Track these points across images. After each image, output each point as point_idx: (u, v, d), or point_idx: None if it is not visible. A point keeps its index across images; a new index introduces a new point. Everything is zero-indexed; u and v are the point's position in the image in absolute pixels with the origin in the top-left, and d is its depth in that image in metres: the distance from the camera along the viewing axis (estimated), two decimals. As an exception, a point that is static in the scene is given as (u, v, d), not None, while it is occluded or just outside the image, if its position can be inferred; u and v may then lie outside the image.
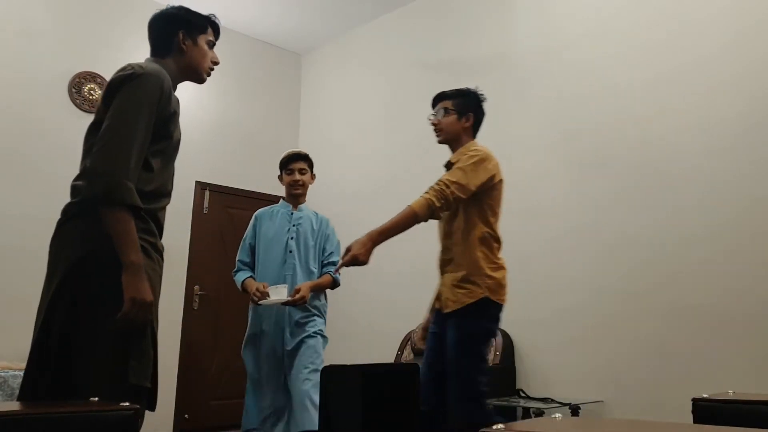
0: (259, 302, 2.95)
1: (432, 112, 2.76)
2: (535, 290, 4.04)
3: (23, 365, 4.00)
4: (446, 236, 2.60)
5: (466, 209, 2.52)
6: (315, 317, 3.12)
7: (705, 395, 1.59)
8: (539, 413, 3.31)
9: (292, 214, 3.26)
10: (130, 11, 5.16)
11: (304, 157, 3.29)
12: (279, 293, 2.96)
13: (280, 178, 3.31)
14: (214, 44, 2.12)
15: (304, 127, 6.20)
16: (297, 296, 2.94)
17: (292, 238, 3.19)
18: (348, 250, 2.34)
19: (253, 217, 3.32)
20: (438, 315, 2.61)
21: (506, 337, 4.05)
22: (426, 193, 2.42)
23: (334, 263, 3.18)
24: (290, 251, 3.16)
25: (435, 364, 2.50)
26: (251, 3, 5.40)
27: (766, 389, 2.93)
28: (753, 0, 3.39)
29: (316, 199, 6.08)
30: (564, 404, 3.40)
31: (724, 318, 3.24)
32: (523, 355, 4.04)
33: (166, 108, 1.88)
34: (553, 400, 3.49)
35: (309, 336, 3.04)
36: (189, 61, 2.04)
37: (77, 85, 4.79)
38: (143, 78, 1.82)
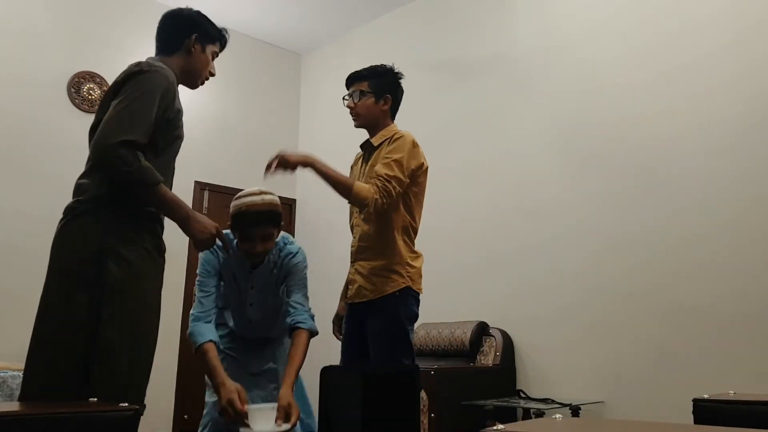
0: (241, 430, 2.04)
1: (347, 93, 2.59)
2: (536, 290, 4.04)
3: (23, 365, 3.99)
4: (364, 223, 2.46)
5: None
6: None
7: (705, 395, 1.58)
8: (539, 414, 3.31)
9: (250, 272, 2.38)
10: (129, 11, 5.16)
11: (269, 218, 2.22)
12: (264, 421, 2.03)
13: (232, 229, 2.28)
14: (216, 57, 2.17)
15: (303, 127, 6.20)
16: (288, 427, 2.04)
17: (251, 305, 2.42)
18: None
19: (206, 261, 2.35)
20: (352, 307, 2.48)
21: (506, 337, 4.05)
22: (371, 186, 2.31)
23: (303, 309, 2.32)
24: (249, 321, 2.45)
25: (355, 357, 2.46)
26: (251, 3, 5.40)
27: (766, 389, 2.93)
28: (753, 0, 3.39)
29: (314, 201, 6.09)
30: (564, 405, 3.40)
31: (725, 318, 3.24)
32: (523, 355, 4.04)
33: (172, 104, 1.90)
34: (553, 401, 3.49)
35: None
36: (192, 65, 2.08)
37: (76, 85, 4.78)
38: (151, 73, 1.85)
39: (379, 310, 2.37)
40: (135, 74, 1.84)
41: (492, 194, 4.41)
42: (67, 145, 4.68)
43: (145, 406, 1.81)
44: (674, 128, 3.58)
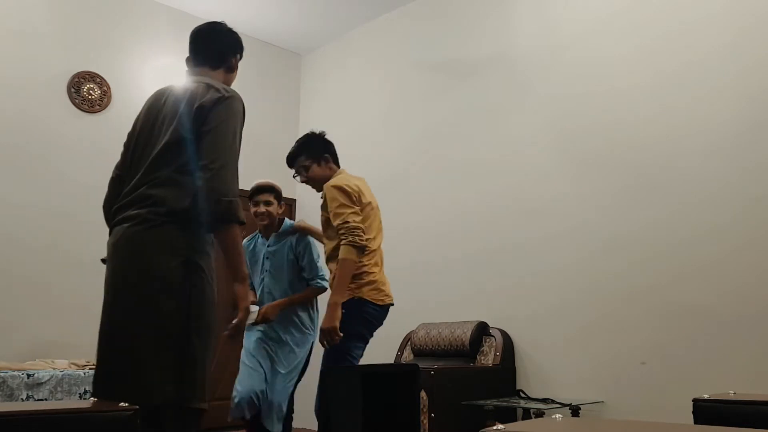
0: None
1: (293, 174, 3.00)
2: (536, 290, 4.04)
3: (22, 365, 3.98)
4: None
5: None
6: (292, 350, 3.19)
7: (705, 396, 1.59)
8: (539, 414, 3.31)
9: (267, 246, 3.31)
10: (129, 11, 5.15)
11: (269, 189, 3.28)
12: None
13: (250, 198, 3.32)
14: None
15: (303, 127, 6.19)
16: (258, 317, 3.00)
17: (266, 270, 3.27)
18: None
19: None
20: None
21: (506, 337, 4.05)
22: (342, 241, 2.60)
23: (315, 276, 3.23)
24: (268, 291, 3.25)
25: None
26: (251, 3, 5.40)
27: (766, 389, 2.93)
28: (753, 0, 3.39)
29: (314, 201, 6.08)
30: (564, 405, 3.40)
31: (725, 318, 3.24)
32: (523, 355, 4.04)
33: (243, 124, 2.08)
34: (553, 401, 3.49)
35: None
36: (229, 81, 2.22)
37: (76, 85, 4.78)
38: (234, 101, 2.01)
39: None
40: (220, 101, 1.96)
41: (492, 194, 4.41)
42: (67, 144, 4.68)
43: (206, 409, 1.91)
44: (674, 128, 3.58)
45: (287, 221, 3.35)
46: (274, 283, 3.24)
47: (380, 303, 2.67)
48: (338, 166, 2.96)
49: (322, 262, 3.20)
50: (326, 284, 3.16)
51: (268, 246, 3.30)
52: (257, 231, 3.41)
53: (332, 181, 2.76)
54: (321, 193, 2.83)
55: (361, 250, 2.58)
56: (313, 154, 2.89)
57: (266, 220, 3.27)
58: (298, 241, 3.26)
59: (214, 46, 2.16)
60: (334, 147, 2.98)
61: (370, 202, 2.81)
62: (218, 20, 2.29)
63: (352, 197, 2.68)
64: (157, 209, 1.88)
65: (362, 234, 2.59)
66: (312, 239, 3.29)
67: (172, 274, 1.83)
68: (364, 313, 2.63)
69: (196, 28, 2.27)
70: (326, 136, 2.97)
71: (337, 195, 2.68)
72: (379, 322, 2.72)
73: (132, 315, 1.83)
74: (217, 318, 1.96)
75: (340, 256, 2.57)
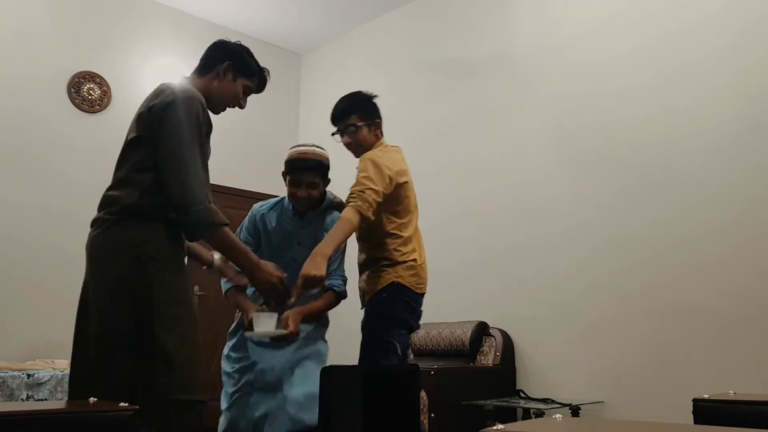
0: (246, 334, 2.36)
1: (335, 131, 2.67)
2: (536, 290, 4.04)
3: (22, 365, 3.98)
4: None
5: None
6: (310, 359, 2.46)
7: (705, 395, 1.58)
8: (539, 414, 3.31)
9: (300, 227, 2.57)
10: (129, 11, 5.15)
11: (316, 166, 2.48)
12: (265, 324, 2.23)
13: (284, 176, 2.54)
14: (249, 92, 2.24)
15: (303, 127, 6.20)
16: (287, 332, 2.27)
17: (293, 260, 2.47)
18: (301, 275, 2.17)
19: (252, 214, 2.63)
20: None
21: (506, 337, 4.05)
22: (349, 203, 2.37)
23: (337, 275, 2.56)
24: (294, 259, 2.48)
25: None
26: (251, 3, 5.40)
27: (766, 389, 2.93)
28: (753, 0, 3.39)
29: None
30: (564, 405, 3.40)
31: (725, 318, 3.24)
32: (523, 355, 4.04)
33: (205, 125, 1.99)
34: (553, 401, 3.49)
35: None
36: (218, 90, 2.13)
37: (76, 85, 4.78)
38: (182, 103, 1.91)
39: None
40: (169, 105, 1.90)
41: (492, 194, 4.41)
42: (67, 145, 4.68)
43: (205, 403, 1.89)
44: (674, 128, 3.58)
45: (329, 194, 2.63)
46: (308, 252, 2.36)
47: (418, 291, 2.51)
48: (382, 134, 2.67)
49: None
50: (345, 289, 2.57)
51: (301, 228, 2.54)
52: (283, 198, 2.63)
53: (371, 154, 2.49)
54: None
55: (364, 221, 2.34)
56: (367, 115, 2.60)
57: (306, 206, 2.53)
58: (333, 220, 2.52)
59: (204, 57, 2.19)
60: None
61: (406, 181, 2.56)
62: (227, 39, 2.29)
63: (385, 179, 2.40)
64: (110, 209, 1.88)
65: (372, 209, 2.33)
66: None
67: (126, 271, 1.81)
68: (406, 298, 2.46)
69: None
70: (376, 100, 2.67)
71: (369, 167, 2.41)
72: (420, 310, 2.54)
73: (96, 320, 1.82)
74: (191, 306, 1.93)
75: (341, 214, 2.33)
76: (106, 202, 1.92)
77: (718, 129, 3.41)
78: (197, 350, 1.88)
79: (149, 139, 1.90)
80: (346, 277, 2.58)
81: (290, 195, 2.53)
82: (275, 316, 2.26)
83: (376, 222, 2.46)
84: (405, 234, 2.55)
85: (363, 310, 2.56)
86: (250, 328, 2.28)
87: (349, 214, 2.30)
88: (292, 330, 2.28)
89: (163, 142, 1.88)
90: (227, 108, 2.21)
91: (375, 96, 2.70)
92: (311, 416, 2.25)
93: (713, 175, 3.40)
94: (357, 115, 2.61)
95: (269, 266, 2.08)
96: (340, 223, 2.32)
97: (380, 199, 2.38)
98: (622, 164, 3.77)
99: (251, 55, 2.22)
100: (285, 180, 2.54)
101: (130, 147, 1.95)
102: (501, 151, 4.42)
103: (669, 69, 3.64)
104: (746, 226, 3.25)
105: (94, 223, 1.91)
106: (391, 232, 2.51)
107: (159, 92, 1.96)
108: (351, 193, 2.38)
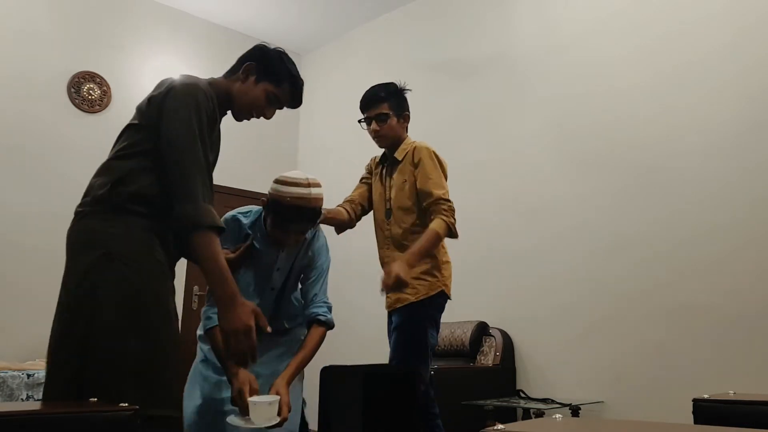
0: (230, 419, 1.89)
1: (364, 117, 2.65)
2: (536, 290, 4.04)
3: (22, 365, 3.99)
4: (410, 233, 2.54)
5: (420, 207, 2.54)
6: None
7: (706, 395, 1.58)
8: (539, 414, 3.31)
9: (279, 250, 2.21)
10: (129, 11, 5.16)
11: (312, 218, 2.08)
12: (265, 413, 1.80)
13: (264, 206, 2.14)
14: (276, 101, 1.98)
15: (303, 126, 6.20)
16: (281, 418, 1.86)
17: (278, 269, 2.20)
18: (389, 273, 2.22)
19: (236, 226, 2.21)
20: None
21: (506, 337, 4.05)
22: (442, 216, 2.43)
23: (321, 301, 2.19)
24: (272, 288, 2.21)
25: None
26: (251, 2, 5.40)
27: (766, 389, 2.93)
28: (753, 0, 3.39)
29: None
30: (564, 405, 3.40)
31: (725, 318, 3.24)
32: (523, 355, 4.04)
33: (207, 112, 1.76)
34: (553, 401, 3.49)
35: None
36: (238, 92, 1.94)
37: (76, 85, 4.78)
38: (180, 89, 1.74)
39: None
40: (166, 96, 1.74)
41: (492, 194, 4.41)
42: (67, 145, 4.68)
43: (178, 414, 1.70)
44: (674, 128, 3.58)
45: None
46: (284, 297, 2.22)
47: (449, 295, 2.59)
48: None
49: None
50: (331, 317, 2.19)
51: (280, 252, 2.17)
52: (254, 208, 2.25)
53: (429, 146, 2.54)
54: (389, 152, 2.61)
55: (450, 235, 2.42)
56: (398, 107, 2.58)
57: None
58: (312, 240, 2.23)
59: (238, 58, 2.00)
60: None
61: None
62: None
63: (444, 166, 2.54)
64: (86, 199, 1.74)
65: (455, 219, 2.43)
66: (326, 245, 2.30)
67: (94, 266, 1.64)
68: (442, 301, 2.55)
69: None
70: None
71: (437, 164, 2.48)
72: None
73: (63, 323, 1.66)
74: (165, 310, 1.70)
75: (434, 227, 2.33)
76: (86, 192, 1.77)
77: (718, 129, 3.41)
78: (168, 359, 1.66)
79: (141, 126, 1.74)
80: (330, 303, 2.22)
81: (272, 235, 2.13)
82: (277, 400, 1.85)
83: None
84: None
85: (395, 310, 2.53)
86: (244, 413, 1.84)
87: (441, 229, 2.38)
88: (285, 417, 1.90)
89: (162, 130, 1.68)
90: (251, 117, 1.98)
91: (408, 89, 2.68)
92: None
93: (713, 175, 3.40)
94: (389, 104, 2.57)
95: (246, 306, 1.65)
96: (431, 237, 2.36)
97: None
98: (622, 164, 3.77)
99: (285, 60, 1.98)
100: (265, 209, 2.14)
101: (119, 136, 1.81)
102: (501, 152, 4.42)
103: (669, 69, 3.64)
104: (746, 226, 3.25)
105: (75, 215, 1.77)
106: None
107: (159, 84, 1.80)
108: (438, 201, 2.44)
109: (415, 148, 2.55)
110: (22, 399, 3.58)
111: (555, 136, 4.15)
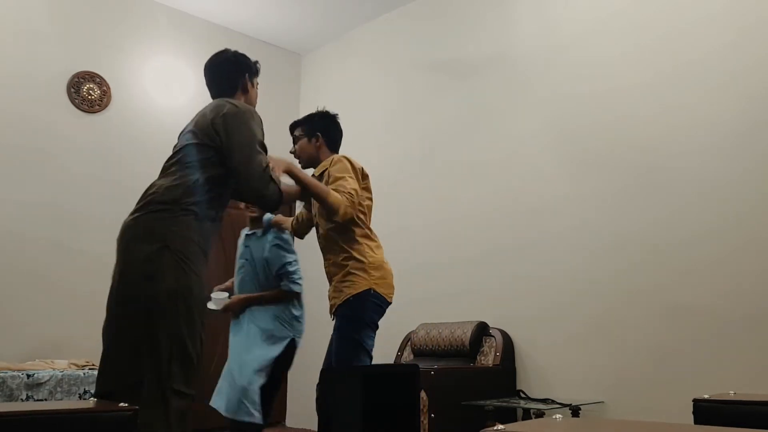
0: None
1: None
2: (536, 290, 4.04)
3: (22, 365, 3.98)
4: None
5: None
6: (261, 337, 3.11)
7: (706, 396, 1.58)
8: (539, 414, 3.31)
9: (250, 236, 3.33)
10: (129, 11, 5.15)
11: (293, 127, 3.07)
12: (215, 301, 3.13)
13: None
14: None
15: (303, 127, 6.20)
16: (223, 306, 3.13)
17: (246, 259, 3.29)
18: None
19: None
20: None
21: (506, 337, 4.05)
22: (340, 191, 2.54)
23: (284, 274, 3.19)
24: (241, 277, 3.29)
25: None
26: (251, 2, 5.40)
27: (766, 389, 2.93)
28: (753, 0, 3.39)
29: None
30: (564, 405, 3.39)
31: (725, 318, 3.24)
32: (523, 355, 4.04)
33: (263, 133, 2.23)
34: (553, 401, 3.49)
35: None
36: (250, 100, 2.38)
37: (76, 85, 4.78)
38: (248, 111, 2.19)
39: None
40: (233, 116, 2.15)
41: (492, 194, 4.41)
42: (67, 144, 4.68)
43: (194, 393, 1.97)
44: (674, 128, 3.58)
45: (267, 215, 3.27)
46: (244, 283, 3.26)
47: (387, 298, 2.64)
48: (333, 152, 2.89)
49: (297, 266, 3.22)
50: (298, 288, 3.20)
51: (246, 246, 3.30)
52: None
53: (343, 156, 2.74)
54: (312, 169, 2.82)
55: (349, 219, 2.54)
56: (307, 129, 2.89)
57: (258, 226, 3.37)
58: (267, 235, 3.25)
59: (220, 78, 2.36)
60: (339, 134, 2.95)
61: (371, 190, 2.79)
62: (217, 53, 2.43)
63: (358, 173, 2.68)
64: (149, 199, 2.03)
65: (356, 202, 2.55)
66: (282, 242, 3.23)
67: (153, 257, 1.93)
68: (376, 300, 2.59)
69: (205, 64, 2.43)
70: (335, 120, 2.94)
71: (344, 163, 2.66)
72: (384, 312, 2.68)
73: (117, 304, 1.96)
74: (204, 304, 2.06)
75: (332, 196, 2.48)
76: (147, 193, 2.06)
77: (718, 128, 3.41)
78: (201, 344, 1.99)
79: (208, 146, 2.09)
80: (296, 279, 3.19)
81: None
82: (226, 295, 3.18)
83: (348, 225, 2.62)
84: (375, 240, 2.71)
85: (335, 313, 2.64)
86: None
87: (337, 200, 2.48)
88: (229, 309, 3.17)
89: (234, 144, 2.08)
90: None
91: (329, 114, 2.95)
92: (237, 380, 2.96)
93: (713, 175, 3.40)
94: (301, 128, 2.93)
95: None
96: (327, 193, 2.49)
97: (360, 191, 2.62)
98: (622, 164, 3.77)
99: (247, 57, 2.41)
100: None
101: (185, 149, 2.12)
102: (501, 151, 4.42)
103: (669, 69, 3.64)
104: (746, 226, 3.25)
105: (136, 212, 2.04)
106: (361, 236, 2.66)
107: (219, 107, 2.17)
108: (341, 186, 2.54)
109: (332, 159, 2.75)
110: (21, 399, 3.58)
111: (555, 136, 4.14)
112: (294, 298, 3.20)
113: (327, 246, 2.71)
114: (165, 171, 2.13)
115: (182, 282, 1.94)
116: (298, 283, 3.19)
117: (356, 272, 2.57)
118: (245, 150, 2.09)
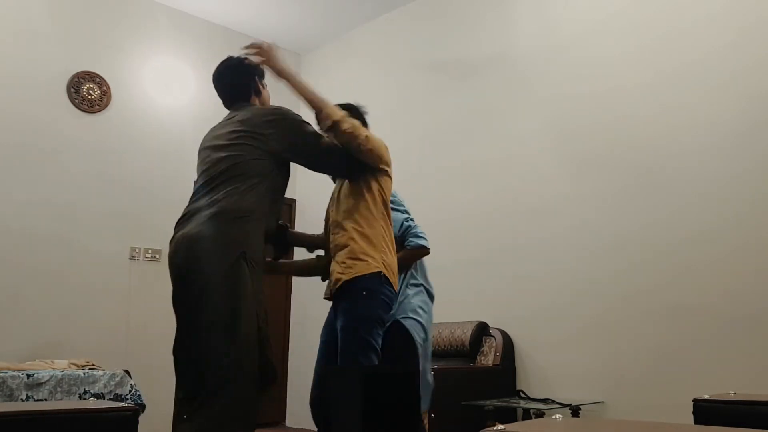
0: None
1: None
2: (536, 290, 4.04)
3: (22, 365, 3.97)
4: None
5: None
6: None
7: (706, 396, 1.59)
8: (539, 414, 3.31)
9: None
10: (129, 11, 5.15)
11: None
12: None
13: None
14: None
15: (303, 127, 6.20)
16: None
17: None
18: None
19: None
20: None
21: (506, 337, 4.05)
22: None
23: (406, 231, 3.01)
24: None
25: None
26: (251, 2, 5.40)
27: (766, 389, 2.93)
28: (753, 0, 3.39)
29: (313, 201, 6.08)
30: (564, 405, 3.40)
31: (725, 318, 3.24)
32: (523, 355, 4.04)
33: None
34: (553, 401, 3.49)
35: None
36: (264, 101, 2.48)
37: (76, 85, 4.78)
38: (290, 112, 2.41)
39: None
40: (281, 117, 2.38)
41: (492, 194, 4.41)
42: (67, 144, 4.68)
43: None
44: (674, 128, 3.58)
45: None
46: None
47: (395, 288, 2.43)
48: None
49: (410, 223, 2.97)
50: (425, 242, 2.88)
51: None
52: None
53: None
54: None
55: (336, 128, 2.43)
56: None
57: None
58: None
59: (232, 87, 2.41)
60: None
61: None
62: (218, 68, 2.48)
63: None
64: (219, 207, 2.09)
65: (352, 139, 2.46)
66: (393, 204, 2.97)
67: (235, 265, 2.02)
68: (383, 295, 2.36)
69: (213, 75, 2.48)
70: (359, 112, 2.92)
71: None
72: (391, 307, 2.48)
73: (197, 308, 2.05)
74: (261, 306, 2.14)
75: (329, 108, 2.49)
76: (212, 201, 2.10)
77: (718, 129, 3.41)
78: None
79: (265, 157, 2.20)
80: (419, 233, 2.97)
81: None
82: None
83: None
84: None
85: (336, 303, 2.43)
86: None
87: (355, 125, 2.48)
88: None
89: (297, 141, 2.30)
90: None
91: (362, 110, 2.95)
92: None
93: (713, 175, 3.40)
94: None
95: None
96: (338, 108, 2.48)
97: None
98: (622, 164, 3.77)
99: (242, 58, 2.42)
100: None
101: (240, 160, 2.17)
102: (501, 151, 4.42)
103: (669, 69, 3.64)
104: (746, 226, 3.25)
105: (208, 217, 2.09)
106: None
107: (261, 115, 2.34)
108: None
109: None
110: (21, 399, 3.58)
111: (555, 136, 4.14)
112: (426, 254, 2.96)
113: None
114: (217, 182, 2.15)
115: (255, 288, 2.07)
116: (423, 237, 2.94)
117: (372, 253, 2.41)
118: (314, 150, 2.33)
